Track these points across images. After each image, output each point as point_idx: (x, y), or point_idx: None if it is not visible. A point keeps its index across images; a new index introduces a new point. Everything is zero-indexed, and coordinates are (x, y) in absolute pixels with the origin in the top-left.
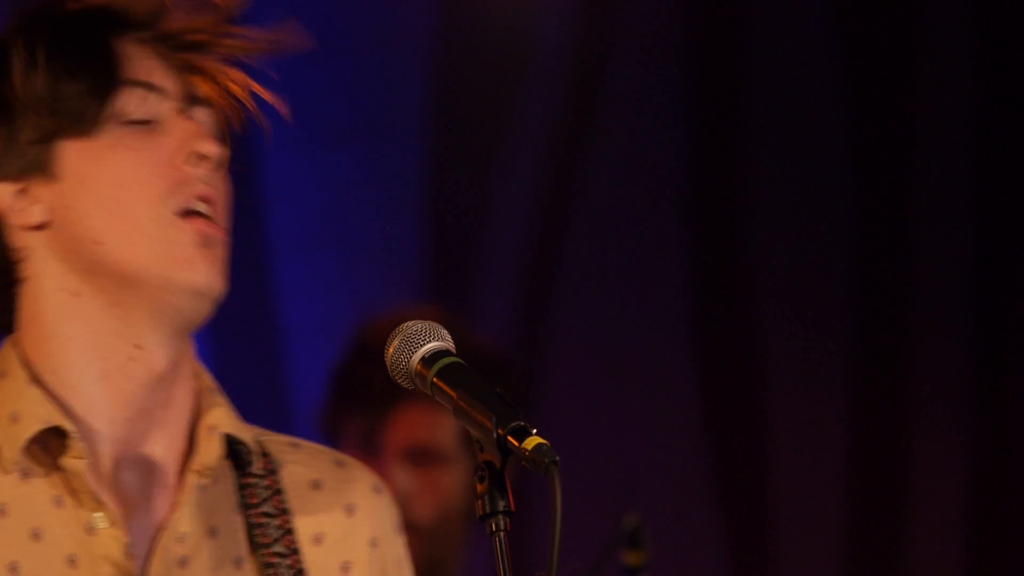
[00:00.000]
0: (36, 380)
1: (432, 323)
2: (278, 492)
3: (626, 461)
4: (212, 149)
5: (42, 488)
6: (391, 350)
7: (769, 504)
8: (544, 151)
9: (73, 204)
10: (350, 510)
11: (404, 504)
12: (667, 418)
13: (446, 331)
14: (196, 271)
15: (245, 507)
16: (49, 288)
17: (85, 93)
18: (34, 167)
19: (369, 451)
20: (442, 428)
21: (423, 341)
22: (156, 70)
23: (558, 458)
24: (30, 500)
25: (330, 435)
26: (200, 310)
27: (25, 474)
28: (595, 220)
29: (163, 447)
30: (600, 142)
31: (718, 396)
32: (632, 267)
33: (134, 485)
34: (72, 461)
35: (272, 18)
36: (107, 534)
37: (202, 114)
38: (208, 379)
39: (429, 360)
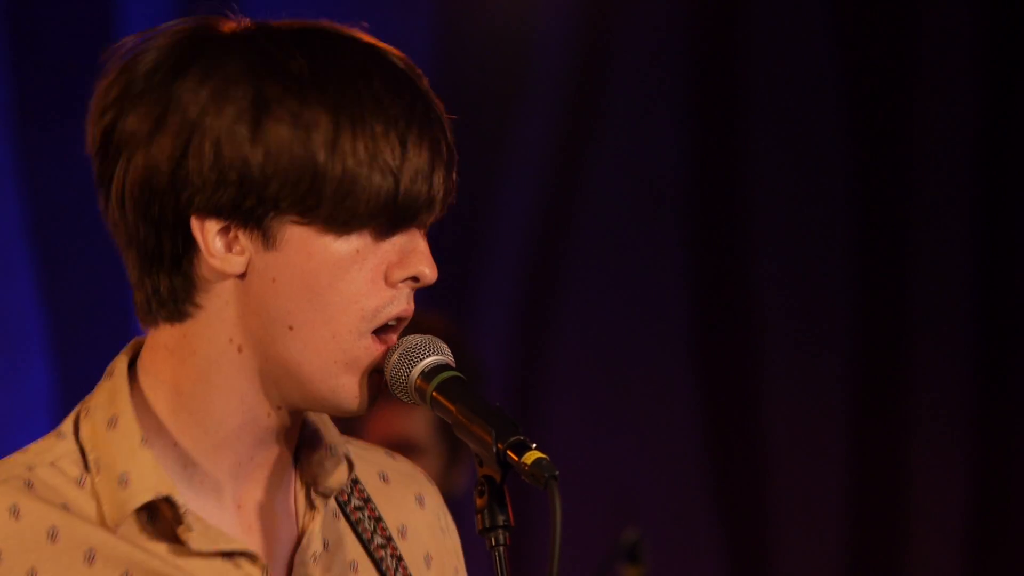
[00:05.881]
0: (147, 439)
1: (431, 337)
2: (356, 482)
3: (626, 473)
4: (430, 277)
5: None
6: (390, 364)
7: (769, 517)
8: (544, 161)
9: (281, 279)
10: (420, 501)
11: None
12: (667, 430)
13: (445, 345)
14: (353, 399)
15: (341, 505)
16: (217, 332)
17: (380, 200)
18: (252, 221)
19: None
20: (415, 421)
21: (423, 355)
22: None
23: (557, 473)
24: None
25: None
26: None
27: (142, 529)
28: (595, 230)
29: (282, 467)
30: (600, 151)
31: (718, 408)
32: (632, 277)
33: (262, 510)
34: (184, 533)
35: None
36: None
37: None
38: None
39: (429, 374)
